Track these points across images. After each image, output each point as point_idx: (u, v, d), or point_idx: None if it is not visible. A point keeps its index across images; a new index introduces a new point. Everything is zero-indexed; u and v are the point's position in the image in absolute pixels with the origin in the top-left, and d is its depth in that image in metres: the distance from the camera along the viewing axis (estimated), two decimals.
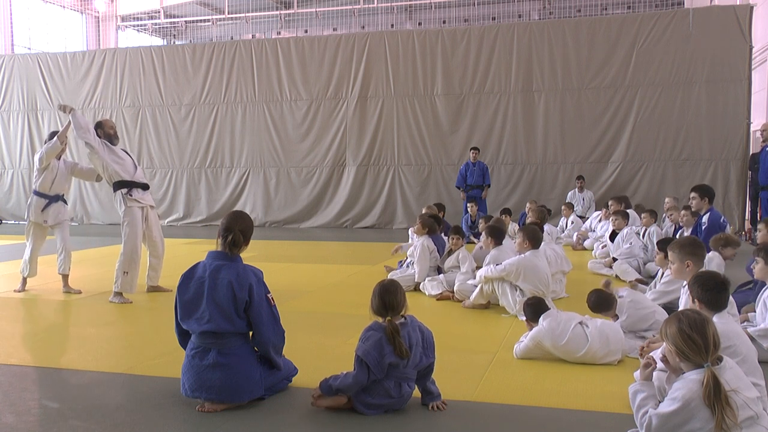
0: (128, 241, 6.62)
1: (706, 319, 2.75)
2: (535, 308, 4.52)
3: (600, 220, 10.87)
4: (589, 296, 4.77)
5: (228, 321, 3.54)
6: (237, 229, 3.69)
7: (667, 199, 10.59)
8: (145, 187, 6.84)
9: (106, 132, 6.76)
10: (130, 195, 6.63)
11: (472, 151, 13.23)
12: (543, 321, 4.37)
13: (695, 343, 2.64)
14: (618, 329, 4.46)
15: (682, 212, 8.08)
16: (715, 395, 2.55)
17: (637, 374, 3.10)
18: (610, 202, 10.54)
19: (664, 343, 2.78)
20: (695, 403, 2.58)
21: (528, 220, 8.92)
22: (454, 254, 7.05)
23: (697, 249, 4.44)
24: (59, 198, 7.18)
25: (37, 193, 7.09)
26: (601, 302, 4.69)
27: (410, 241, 10.39)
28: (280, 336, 3.72)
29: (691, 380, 2.64)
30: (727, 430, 2.54)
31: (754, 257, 4.57)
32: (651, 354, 2.91)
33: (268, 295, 3.66)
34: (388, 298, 3.46)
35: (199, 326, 3.56)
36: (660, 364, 2.88)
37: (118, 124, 15.52)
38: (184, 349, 3.70)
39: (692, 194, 7.41)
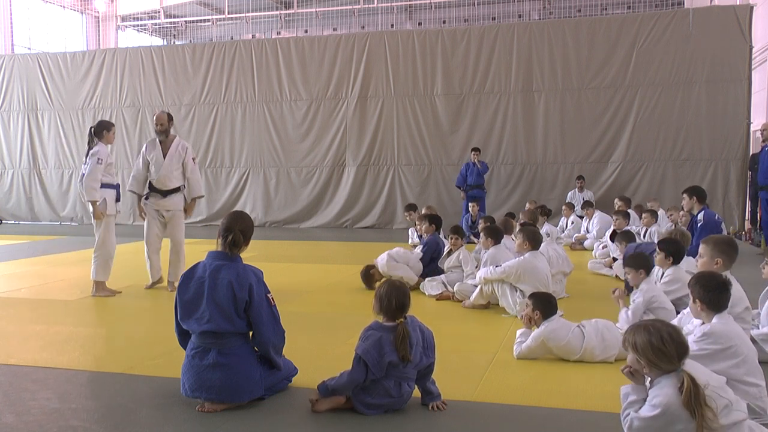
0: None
1: (675, 328, 2.74)
2: (545, 301, 4.52)
3: (589, 221, 10.95)
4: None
5: (228, 321, 3.54)
6: (237, 229, 3.69)
7: (648, 204, 10.68)
8: (164, 193, 7.07)
9: (154, 126, 7.20)
10: (146, 199, 7.17)
11: (473, 152, 13.18)
12: (544, 323, 4.42)
13: (666, 355, 2.64)
14: (613, 327, 4.52)
15: (681, 213, 8.11)
16: (695, 398, 2.55)
17: None
18: (618, 204, 10.55)
19: (630, 354, 2.74)
20: (674, 407, 2.59)
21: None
22: (454, 254, 7.05)
23: (732, 250, 4.40)
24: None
25: (107, 186, 6.87)
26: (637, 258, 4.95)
27: (410, 240, 10.42)
28: (280, 336, 3.72)
29: (666, 386, 2.64)
30: (707, 426, 2.56)
31: (765, 258, 4.57)
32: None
33: (268, 295, 3.67)
34: (403, 299, 3.48)
35: (199, 326, 3.56)
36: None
37: (118, 124, 15.52)
38: (184, 349, 3.71)
39: (683, 195, 7.74)
